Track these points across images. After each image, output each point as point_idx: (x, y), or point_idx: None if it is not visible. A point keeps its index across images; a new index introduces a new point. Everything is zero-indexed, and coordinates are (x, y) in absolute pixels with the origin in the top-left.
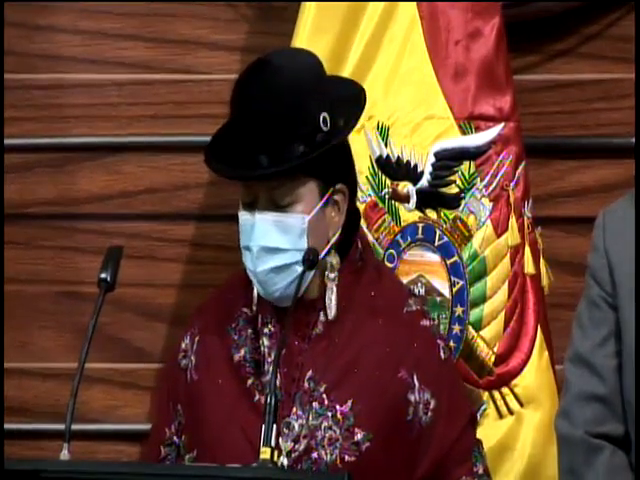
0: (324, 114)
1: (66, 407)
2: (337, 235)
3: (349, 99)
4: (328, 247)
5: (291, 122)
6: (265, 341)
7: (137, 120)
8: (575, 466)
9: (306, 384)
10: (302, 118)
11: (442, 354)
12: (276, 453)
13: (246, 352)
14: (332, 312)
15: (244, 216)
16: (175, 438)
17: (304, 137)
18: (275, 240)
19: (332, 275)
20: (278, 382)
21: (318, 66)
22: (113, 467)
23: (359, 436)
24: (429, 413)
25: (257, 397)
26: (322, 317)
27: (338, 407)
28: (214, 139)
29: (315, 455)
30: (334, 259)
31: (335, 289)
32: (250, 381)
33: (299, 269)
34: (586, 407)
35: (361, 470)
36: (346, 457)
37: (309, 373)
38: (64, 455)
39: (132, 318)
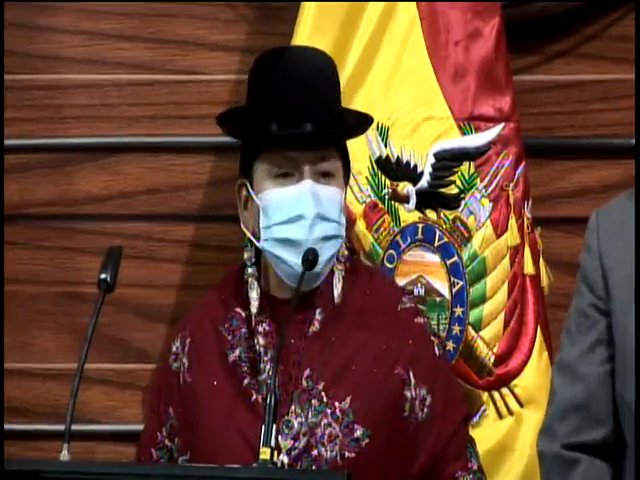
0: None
1: (66, 408)
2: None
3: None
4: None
5: (333, 96)
6: (260, 340)
7: (137, 121)
8: None
9: (304, 382)
10: (338, 97)
11: (437, 351)
12: (275, 452)
13: (241, 352)
14: (337, 298)
15: (287, 188)
16: (167, 442)
17: (339, 114)
18: (327, 210)
19: (340, 266)
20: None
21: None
22: (112, 468)
23: (358, 432)
24: (425, 409)
25: (254, 397)
26: (318, 315)
27: (337, 404)
28: (248, 116)
29: (315, 452)
30: (344, 249)
31: (342, 278)
32: (246, 381)
33: (339, 243)
34: (566, 421)
35: (361, 466)
36: (346, 453)
37: (306, 372)
38: (64, 455)
39: (132, 319)
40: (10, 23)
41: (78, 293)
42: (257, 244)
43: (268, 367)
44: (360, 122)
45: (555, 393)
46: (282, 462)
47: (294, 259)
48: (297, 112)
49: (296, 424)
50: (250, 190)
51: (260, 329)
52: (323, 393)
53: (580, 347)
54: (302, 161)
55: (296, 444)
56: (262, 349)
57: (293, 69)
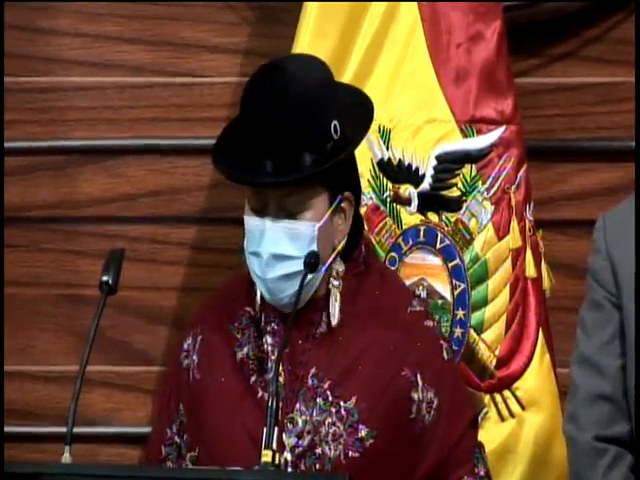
0: (335, 122)
1: (67, 410)
2: (343, 242)
3: (356, 107)
4: (334, 255)
5: (304, 130)
6: (268, 339)
7: (138, 123)
8: (581, 470)
9: (310, 381)
10: (314, 126)
11: (445, 354)
12: (279, 450)
13: (249, 350)
14: (335, 319)
15: (253, 221)
16: (176, 438)
17: (316, 145)
18: (285, 248)
19: (336, 282)
20: (282, 380)
21: (328, 73)
22: (114, 470)
23: (363, 432)
24: (432, 412)
25: (260, 394)
26: (325, 317)
27: (342, 403)
28: (221, 142)
29: (319, 451)
30: (340, 266)
31: (339, 296)
32: (253, 378)
33: (308, 277)
34: (593, 408)
35: (365, 466)
36: (350, 453)
37: (313, 370)
38: (65, 458)
39: (133, 321)
40: (11, 25)
41: (80, 295)
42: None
43: (274, 368)
44: (335, 150)
45: (577, 385)
46: (285, 460)
47: (261, 288)
48: (259, 151)
49: (300, 422)
50: None
51: (269, 328)
52: (329, 392)
53: (599, 340)
54: (267, 197)
55: (300, 442)
56: (270, 348)
57: (269, 103)
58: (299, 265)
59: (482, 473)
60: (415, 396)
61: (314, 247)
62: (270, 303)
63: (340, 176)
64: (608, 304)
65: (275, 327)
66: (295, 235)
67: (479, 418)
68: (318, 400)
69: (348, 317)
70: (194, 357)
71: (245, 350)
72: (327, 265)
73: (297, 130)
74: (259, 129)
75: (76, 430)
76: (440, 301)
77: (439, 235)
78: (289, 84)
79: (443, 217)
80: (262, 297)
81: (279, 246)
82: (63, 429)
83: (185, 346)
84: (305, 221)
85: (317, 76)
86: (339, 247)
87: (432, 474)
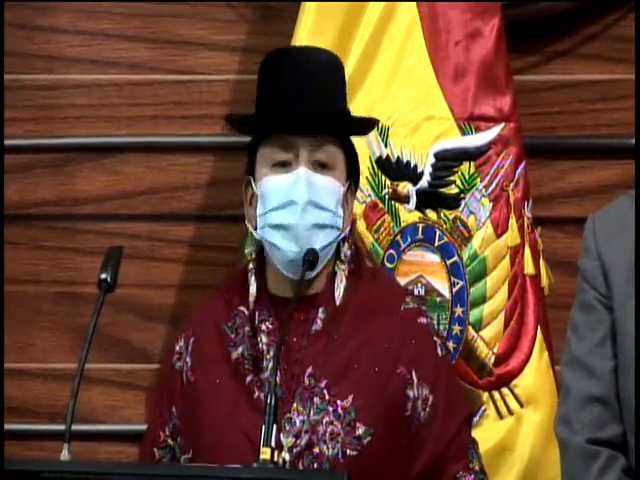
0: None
1: (66, 408)
2: (347, 229)
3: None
4: (342, 235)
5: (338, 78)
6: (263, 338)
7: (137, 121)
8: (574, 473)
9: (306, 380)
10: (343, 82)
11: (439, 351)
12: (277, 450)
13: (244, 349)
14: (339, 299)
15: (281, 174)
16: (170, 441)
17: (345, 102)
18: (322, 197)
19: (343, 266)
20: (278, 379)
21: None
22: (113, 468)
23: (360, 430)
24: (427, 409)
25: (256, 394)
26: (321, 314)
27: (339, 402)
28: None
29: (317, 450)
30: (347, 250)
31: (344, 279)
32: (249, 378)
33: (335, 234)
34: (585, 411)
35: (363, 464)
36: (348, 451)
37: (309, 369)
38: (64, 455)
39: (132, 319)
40: (10, 23)
41: (78, 293)
42: (255, 234)
43: (271, 365)
44: (363, 121)
45: (569, 387)
46: (284, 459)
47: (286, 245)
48: (297, 97)
49: (298, 422)
50: (253, 184)
51: (263, 327)
52: (325, 391)
53: (590, 342)
54: (299, 147)
55: (298, 442)
56: (265, 347)
57: (300, 64)
58: (331, 219)
59: (477, 468)
60: (410, 393)
61: (340, 209)
62: (284, 271)
63: (351, 160)
64: (599, 305)
65: (270, 326)
66: (328, 188)
67: (477, 416)
68: (315, 399)
69: (343, 315)
70: (187, 359)
71: (240, 350)
72: (346, 233)
73: (333, 76)
74: (299, 77)
75: (75, 428)
76: (438, 298)
77: (437, 232)
78: (310, 54)
79: (441, 214)
80: (256, 295)
81: (315, 194)
82: (62, 426)
83: (177, 348)
84: (335, 178)
85: (329, 54)
86: (346, 230)
87: (428, 470)
